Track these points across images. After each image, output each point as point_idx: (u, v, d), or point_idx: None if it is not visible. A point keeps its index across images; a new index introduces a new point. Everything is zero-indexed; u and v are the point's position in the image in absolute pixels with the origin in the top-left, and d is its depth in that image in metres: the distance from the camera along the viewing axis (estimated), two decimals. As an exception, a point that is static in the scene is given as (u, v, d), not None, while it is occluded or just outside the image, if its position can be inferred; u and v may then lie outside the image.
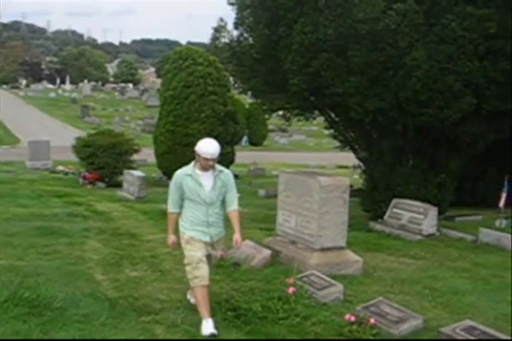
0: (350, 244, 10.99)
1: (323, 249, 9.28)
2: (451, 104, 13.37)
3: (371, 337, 6.46)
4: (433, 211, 13.22)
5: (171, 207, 6.96)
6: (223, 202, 6.94)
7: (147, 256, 9.68)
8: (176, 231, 7.00)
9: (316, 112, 18.45)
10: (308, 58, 14.08)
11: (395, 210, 13.85)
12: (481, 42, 13.12)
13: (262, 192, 22.50)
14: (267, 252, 9.55)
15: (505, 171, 16.42)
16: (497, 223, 14.26)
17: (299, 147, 52.77)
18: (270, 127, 56.27)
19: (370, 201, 15.66)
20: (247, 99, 45.56)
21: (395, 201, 14.03)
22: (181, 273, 8.45)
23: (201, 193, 6.72)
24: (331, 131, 18.85)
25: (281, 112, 19.15)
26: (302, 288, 7.79)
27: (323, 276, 8.32)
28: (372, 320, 6.68)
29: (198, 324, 6.46)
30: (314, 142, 56.61)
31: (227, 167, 23.72)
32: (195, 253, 6.72)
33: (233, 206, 6.95)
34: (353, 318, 6.73)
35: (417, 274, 9.83)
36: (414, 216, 13.30)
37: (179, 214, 6.96)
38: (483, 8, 13.21)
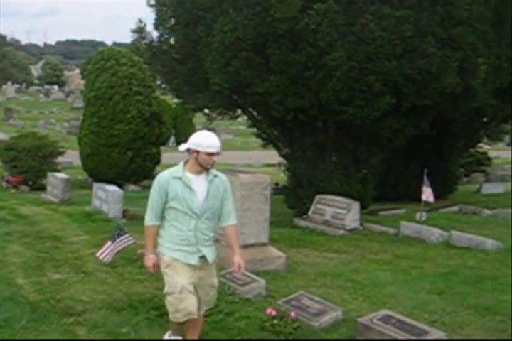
0: (275, 240, 11.20)
1: (245, 246, 9.31)
2: (372, 103, 13.68)
3: (292, 330, 6.57)
4: (355, 206, 13.50)
5: (150, 219, 5.58)
6: (215, 215, 5.61)
7: (70, 258, 9.55)
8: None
9: (240, 111, 18.56)
10: (228, 57, 14.13)
11: (318, 206, 14.09)
12: (398, 42, 13.46)
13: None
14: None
15: (426, 166, 16.85)
16: (417, 216, 14.64)
17: (226, 146, 52.46)
18: (197, 127, 56.10)
19: (294, 198, 15.90)
20: (173, 100, 45.34)
21: (318, 197, 14.26)
22: (105, 274, 8.47)
23: (192, 202, 5.42)
24: (255, 129, 18.97)
25: (207, 111, 19.21)
26: (225, 284, 7.85)
27: (246, 273, 8.40)
28: (293, 314, 6.77)
29: (120, 324, 6.46)
30: (242, 141, 56.68)
31: (153, 168, 23.74)
32: (178, 280, 5.39)
33: (231, 220, 5.70)
34: (274, 312, 6.83)
35: (340, 268, 10.00)
36: (338, 211, 13.55)
37: (160, 227, 5.61)
38: (399, 8, 13.57)
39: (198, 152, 5.39)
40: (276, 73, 13.90)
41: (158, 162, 23.72)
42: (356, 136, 15.13)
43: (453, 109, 16.13)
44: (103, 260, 8.62)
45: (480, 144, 27.62)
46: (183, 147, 5.52)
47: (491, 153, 41.19)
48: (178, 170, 5.52)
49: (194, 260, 5.49)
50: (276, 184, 22.85)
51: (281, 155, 17.54)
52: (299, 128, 15.33)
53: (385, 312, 6.69)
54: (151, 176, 22.10)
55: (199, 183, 5.47)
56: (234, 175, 9.53)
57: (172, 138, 46.24)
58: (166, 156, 25.09)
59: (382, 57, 13.38)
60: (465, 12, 14.36)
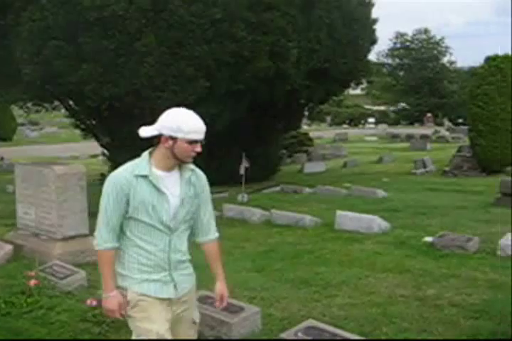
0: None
1: (65, 238, 9.20)
2: (186, 88, 13.79)
3: (114, 319, 6.56)
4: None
5: (105, 239, 3.84)
6: (191, 225, 4.06)
7: None
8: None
9: (57, 102, 18.15)
10: (39, 46, 13.79)
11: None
12: (208, 26, 13.64)
13: (10, 187, 21.71)
14: (9, 247, 9.31)
15: (248, 149, 17.19)
16: (239, 198, 14.94)
17: (51, 139, 51.45)
18: (20, 120, 54.33)
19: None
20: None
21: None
22: None
23: (164, 211, 3.80)
24: (73, 120, 18.60)
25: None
26: (45, 279, 7.71)
27: (66, 265, 8.28)
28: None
29: None
30: (67, 133, 55.42)
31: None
32: (151, 328, 3.79)
33: (211, 233, 4.13)
34: (94, 303, 6.74)
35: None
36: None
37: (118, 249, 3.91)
38: (208, -8, 13.76)
39: (174, 139, 3.72)
40: (88, 61, 13.73)
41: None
42: (176, 122, 15.12)
43: (268, 92, 16.53)
44: None
45: (304, 126, 28.58)
46: (147, 131, 3.79)
47: (315, 134, 42.78)
48: (141, 165, 3.80)
49: (169, 292, 3.89)
50: (102, 175, 22.48)
51: (102, 145, 17.33)
52: (117, 116, 15.22)
53: (203, 292, 6.79)
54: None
55: (172, 184, 3.86)
56: (48, 167, 9.33)
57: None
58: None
59: (193, 41, 13.52)
60: (273, -3, 14.77)
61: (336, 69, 18.87)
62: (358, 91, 79.45)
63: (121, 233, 3.88)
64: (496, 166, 19.58)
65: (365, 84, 78.10)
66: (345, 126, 70.57)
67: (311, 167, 26.10)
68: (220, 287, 4.13)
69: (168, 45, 13.46)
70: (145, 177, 3.75)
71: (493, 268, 8.22)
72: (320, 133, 48.47)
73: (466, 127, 25.32)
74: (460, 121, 60.83)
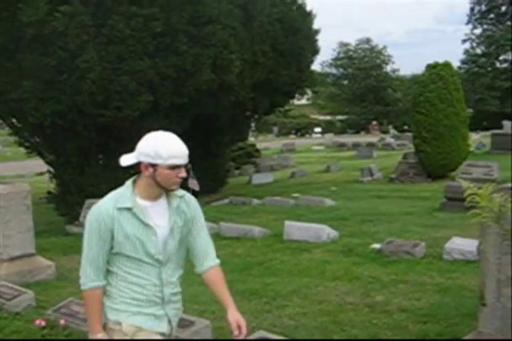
0: (46, 249, 10.96)
1: (12, 259, 9.06)
2: (129, 103, 13.72)
3: (64, 338, 6.48)
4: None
5: (91, 278, 3.56)
6: (183, 255, 3.80)
7: None
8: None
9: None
10: (-23, 64, 13.58)
11: (89, 211, 13.89)
12: (149, 40, 13.62)
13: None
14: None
15: (196, 162, 17.08)
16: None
17: (-5, 159, 50.59)
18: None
19: (64, 205, 15.62)
20: None
21: (88, 202, 14.07)
22: None
23: (152, 244, 3.55)
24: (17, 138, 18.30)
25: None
26: (-9, 301, 7.60)
27: (13, 286, 8.15)
28: (62, 321, 6.69)
29: None
30: (13, 151, 54.52)
31: None
32: None
33: (211, 259, 3.78)
34: (43, 323, 6.69)
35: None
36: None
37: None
38: (148, 7, 13.73)
39: (154, 166, 3.46)
40: (29, 78, 13.53)
41: None
42: (120, 137, 15.07)
43: (213, 105, 16.57)
44: None
45: (250, 138, 28.69)
46: (127, 159, 3.58)
47: (262, 145, 42.91)
48: (123, 196, 3.56)
49: (164, 326, 3.65)
50: (49, 192, 22.21)
51: (47, 163, 17.14)
52: (60, 133, 15.02)
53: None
54: None
55: (159, 214, 3.60)
56: (-10, 186, 9.20)
57: None
58: None
59: (135, 56, 13.49)
60: (214, 10, 14.82)
61: (280, 80, 19.03)
62: (303, 101, 79.97)
63: (109, 269, 3.61)
64: (440, 172, 19.90)
65: (310, 94, 78.85)
66: (292, 136, 70.92)
67: (259, 178, 26.16)
68: (234, 315, 3.62)
69: (110, 60, 13.37)
70: (129, 209, 3.50)
71: (439, 272, 8.34)
72: (267, 144, 48.68)
73: (410, 134, 25.64)
74: (405, 128, 61.71)
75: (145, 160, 3.45)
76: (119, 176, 15.19)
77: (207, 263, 3.75)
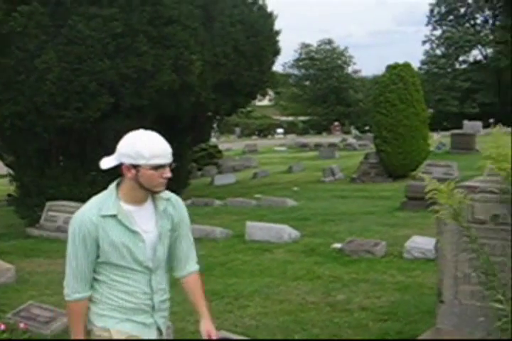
0: (7, 253, 10.85)
1: (-31, 263, 9.00)
2: (89, 104, 13.63)
3: (24, 341, 6.44)
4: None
5: (75, 289, 3.34)
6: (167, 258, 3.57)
7: None
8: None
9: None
10: None
11: (50, 213, 13.77)
12: (109, 41, 13.55)
13: None
14: None
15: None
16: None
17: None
18: None
19: (24, 207, 15.43)
20: None
21: (48, 204, 13.94)
22: None
23: (140, 251, 3.35)
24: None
25: None
26: None
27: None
28: (22, 325, 6.63)
29: None
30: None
31: None
32: None
33: (191, 265, 3.67)
34: (3, 327, 6.62)
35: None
36: (70, 216, 13.29)
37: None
38: (108, 8, 13.65)
39: (137, 167, 3.23)
40: (-14, 80, 13.38)
41: None
42: (80, 139, 14.98)
43: (174, 106, 16.50)
44: None
45: (212, 139, 28.61)
46: (107, 162, 3.33)
47: (225, 146, 42.87)
48: (107, 201, 3.31)
49: (154, 334, 3.47)
50: (9, 195, 21.96)
51: (7, 165, 16.95)
52: (20, 135, 14.87)
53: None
54: None
55: (146, 219, 3.38)
56: None
57: None
58: None
59: (95, 56, 13.43)
60: (174, 11, 14.79)
61: (241, 81, 19.03)
62: (266, 102, 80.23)
63: (95, 277, 3.39)
64: (401, 171, 20.12)
65: (272, 95, 79.05)
66: (254, 137, 71.01)
67: (221, 179, 26.19)
68: (207, 325, 3.54)
69: (69, 61, 13.27)
70: (113, 216, 3.26)
71: (400, 270, 8.42)
72: (229, 145, 48.71)
73: (372, 134, 25.88)
74: (366, 128, 62.16)
75: (126, 161, 3.23)
76: (79, 177, 15.23)
77: (189, 267, 3.64)
